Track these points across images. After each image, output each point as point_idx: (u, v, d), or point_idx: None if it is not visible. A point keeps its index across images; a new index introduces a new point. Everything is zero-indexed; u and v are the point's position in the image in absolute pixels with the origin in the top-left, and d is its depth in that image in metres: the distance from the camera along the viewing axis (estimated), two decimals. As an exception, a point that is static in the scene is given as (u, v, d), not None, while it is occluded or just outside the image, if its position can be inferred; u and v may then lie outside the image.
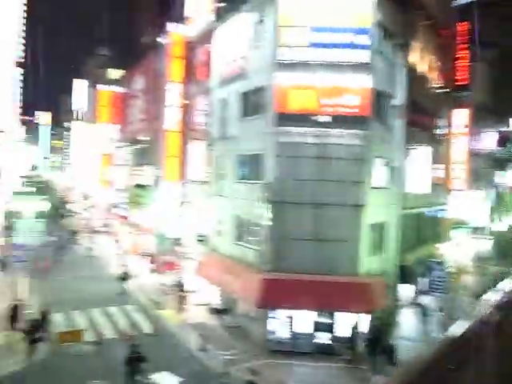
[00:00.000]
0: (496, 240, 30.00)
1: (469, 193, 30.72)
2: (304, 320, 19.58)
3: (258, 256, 20.43)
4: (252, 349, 19.38)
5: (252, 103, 22.07)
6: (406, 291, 22.72)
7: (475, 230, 29.42)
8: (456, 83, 30.07)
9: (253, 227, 21.17)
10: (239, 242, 22.52)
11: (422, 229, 25.79)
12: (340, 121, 19.70)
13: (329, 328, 19.49)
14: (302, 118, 19.82)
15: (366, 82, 19.63)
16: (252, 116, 21.97)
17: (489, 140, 38.88)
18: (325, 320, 19.50)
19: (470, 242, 26.19)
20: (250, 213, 21.14)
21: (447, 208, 29.33)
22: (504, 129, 45.09)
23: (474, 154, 33.24)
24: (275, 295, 19.29)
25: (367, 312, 19.03)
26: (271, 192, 19.73)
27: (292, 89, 19.96)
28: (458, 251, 24.87)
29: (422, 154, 23.34)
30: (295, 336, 19.65)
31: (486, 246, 25.80)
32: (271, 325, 19.71)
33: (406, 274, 22.19)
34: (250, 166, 22.01)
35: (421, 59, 24.87)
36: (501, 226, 33.87)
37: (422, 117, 24.79)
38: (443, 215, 28.88)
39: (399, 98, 21.92)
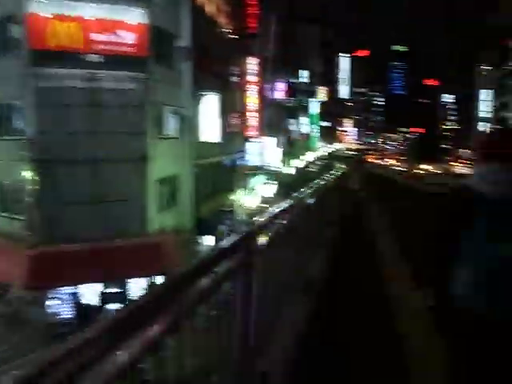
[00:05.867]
0: (283, 182, 27.74)
1: (263, 139, 28.20)
2: (90, 294, 15.09)
3: (25, 227, 14.95)
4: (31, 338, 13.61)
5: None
6: (207, 242, 19.36)
7: (270, 175, 26.96)
8: (247, 30, 26.49)
9: (17, 193, 15.35)
10: (2, 213, 16.42)
11: (220, 178, 22.35)
12: (113, 61, 14.88)
13: (120, 298, 14.92)
14: (67, 57, 14.48)
15: (141, 16, 15.26)
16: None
17: (281, 90, 36.98)
18: (114, 290, 15.18)
19: (263, 187, 24.04)
20: (11, 176, 15.31)
21: (245, 156, 26.21)
22: (294, 80, 45.52)
23: (267, 103, 30.83)
24: (50, 272, 14.03)
25: (160, 273, 14.47)
26: (35, 149, 14.48)
27: (52, 20, 14.43)
28: (252, 197, 22.60)
29: (213, 101, 19.57)
30: (81, 314, 14.81)
31: (274, 189, 23.91)
32: (52, 306, 14.75)
33: (203, 226, 18.81)
34: (3, 118, 15.93)
35: (208, 0, 20.65)
36: (291, 169, 33.55)
37: (214, 62, 20.98)
38: (241, 163, 25.77)
39: (185, 39, 17.55)
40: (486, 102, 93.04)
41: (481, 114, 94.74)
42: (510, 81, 79.42)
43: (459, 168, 62.88)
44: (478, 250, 1.96)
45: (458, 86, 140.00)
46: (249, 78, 26.93)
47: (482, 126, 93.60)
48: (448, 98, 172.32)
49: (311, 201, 5.75)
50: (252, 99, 27.00)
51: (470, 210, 2.02)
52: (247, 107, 26.97)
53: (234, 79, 25.78)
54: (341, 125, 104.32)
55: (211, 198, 20.66)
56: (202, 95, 19.01)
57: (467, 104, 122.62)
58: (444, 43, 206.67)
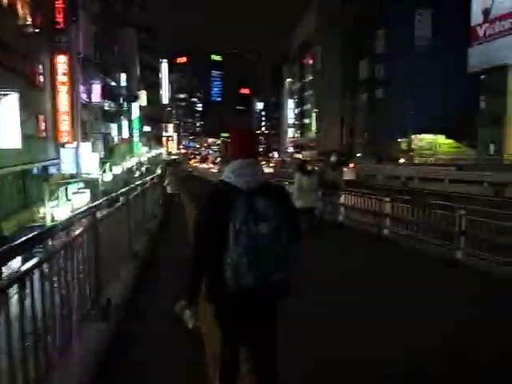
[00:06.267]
0: (99, 190, 25.61)
1: (78, 145, 25.76)
2: None
3: None
4: None
5: None
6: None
7: (86, 183, 24.78)
8: (54, 26, 23.83)
9: None
10: None
11: (28, 189, 20.14)
12: None
13: None
14: None
15: None
16: None
17: (97, 92, 34.45)
18: None
19: (75, 196, 22.31)
20: None
21: (58, 163, 23.88)
22: (113, 83, 44.09)
23: (82, 105, 28.55)
24: None
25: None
26: None
27: None
28: (65, 208, 20.75)
29: (13, 101, 16.94)
30: None
31: (87, 198, 22.41)
32: None
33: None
34: None
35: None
36: (109, 176, 32.07)
37: (13, 58, 18.57)
38: (54, 171, 23.45)
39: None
40: (291, 110, 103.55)
41: (289, 121, 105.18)
42: (306, 92, 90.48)
43: (266, 168, 67.94)
44: (239, 233, 2.23)
45: (268, 94, 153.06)
46: (59, 77, 24.49)
47: (291, 132, 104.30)
48: (260, 105, 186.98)
49: (118, 207, 5.37)
50: (63, 101, 24.58)
51: (226, 202, 2.29)
52: (58, 110, 24.50)
53: (42, 78, 23.17)
54: (164, 129, 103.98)
55: (17, 213, 18.11)
56: (-1, 94, 16.55)
57: (275, 111, 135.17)
58: (257, 54, 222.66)
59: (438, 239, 7.53)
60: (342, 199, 10.91)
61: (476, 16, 42.28)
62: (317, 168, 10.92)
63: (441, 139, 50.90)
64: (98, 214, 4.40)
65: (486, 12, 41.28)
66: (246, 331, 2.48)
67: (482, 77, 42.66)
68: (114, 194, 5.45)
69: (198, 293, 2.43)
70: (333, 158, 10.33)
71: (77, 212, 3.79)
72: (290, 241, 2.38)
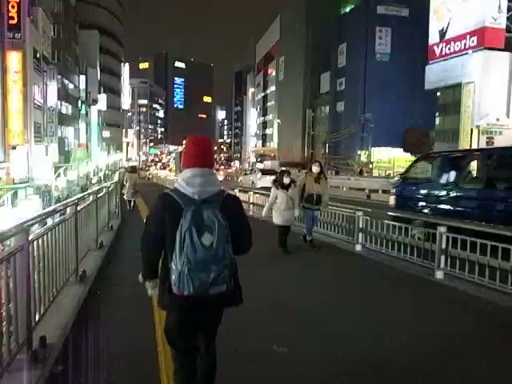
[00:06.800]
0: (51, 195, 24.35)
1: (31, 148, 24.17)
2: None
3: None
4: None
5: None
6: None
7: (37, 189, 22.91)
8: (8, 21, 22.46)
9: None
10: None
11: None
12: None
13: None
14: None
15: None
16: None
17: (53, 93, 32.63)
18: None
19: (24, 202, 20.76)
20: None
21: (6, 166, 22.25)
22: (72, 85, 42.03)
23: (36, 106, 26.99)
24: None
25: None
26: None
27: None
28: (13, 214, 19.10)
29: None
30: None
31: (37, 204, 20.91)
32: None
33: None
34: None
35: None
36: (63, 181, 30.25)
37: None
38: (1, 175, 21.92)
39: None
40: (254, 119, 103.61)
41: (251, 131, 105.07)
42: (268, 103, 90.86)
43: (220, 176, 66.96)
44: (184, 243, 2.22)
45: (231, 104, 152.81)
46: (11, 75, 22.90)
47: (253, 142, 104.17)
48: (222, 114, 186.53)
49: (65, 218, 4.53)
50: (15, 101, 22.98)
51: (175, 210, 2.30)
52: (9, 110, 22.87)
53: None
54: (124, 135, 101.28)
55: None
56: None
57: (238, 120, 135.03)
58: (221, 63, 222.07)
59: (417, 257, 7.05)
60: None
61: (433, 35, 43.58)
62: (291, 173, 9.73)
63: (398, 153, 51.92)
64: (48, 223, 3.61)
65: (442, 32, 42.67)
66: (190, 335, 2.54)
67: (438, 94, 43.91)
68: (59, 204, 4.62)
69: (155, 271, 2.48)
70: (315, 169, 9.01)
71: (5, 229, 2.96)
72: (236, 253, 2.41)
